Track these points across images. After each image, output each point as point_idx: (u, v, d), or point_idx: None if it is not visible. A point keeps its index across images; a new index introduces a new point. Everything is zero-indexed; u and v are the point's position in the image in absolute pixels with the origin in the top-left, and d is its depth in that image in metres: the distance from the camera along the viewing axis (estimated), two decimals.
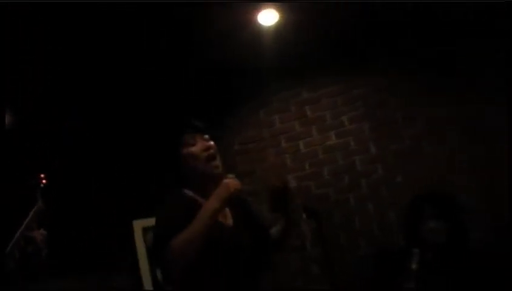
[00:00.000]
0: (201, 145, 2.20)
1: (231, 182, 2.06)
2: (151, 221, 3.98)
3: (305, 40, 4.05)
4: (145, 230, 4.02)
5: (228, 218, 2.20)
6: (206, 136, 2.23)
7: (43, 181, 2.48)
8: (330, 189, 4.20)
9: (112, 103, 4.17)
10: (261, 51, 4.05)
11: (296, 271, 4.09)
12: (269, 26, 3.82)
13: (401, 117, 4.13)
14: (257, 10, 3.65)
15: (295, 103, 4.41)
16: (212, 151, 2.19)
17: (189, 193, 2.18)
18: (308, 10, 3.68)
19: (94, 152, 4.13)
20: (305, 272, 4.06)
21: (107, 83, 3.99)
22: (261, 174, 4.36)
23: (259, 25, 3.80)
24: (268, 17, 3.73)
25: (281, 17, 3.73)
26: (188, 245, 1.84)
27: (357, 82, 4.29)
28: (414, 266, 2.89)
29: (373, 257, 3.68)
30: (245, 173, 4.30)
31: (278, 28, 3.84)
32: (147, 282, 3.95)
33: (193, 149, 2.19)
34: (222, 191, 2.01)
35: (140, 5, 3.15)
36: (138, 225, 4.02)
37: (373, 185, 4.11)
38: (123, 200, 4.04)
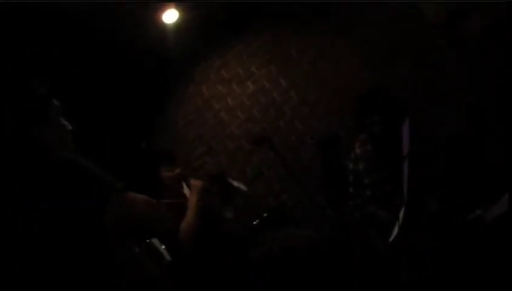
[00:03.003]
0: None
1: (197, 182, 3.02)
2: None
3: (205, 22, 5.03)
4: None
5: None
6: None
7: None
8: (264, 123, 5.27)
9: None
10: (172, 41, 4.98)
11: (264, 194, 5.17)
12: (173, 22, 4.77)
13: (295, 50, 5.24)
14: (161, 11, 4.59)
15: (212, 71, 5.42)
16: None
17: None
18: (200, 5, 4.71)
19: None
20: (270, 191, 5.17)
21: None
22: (207, 135, 5.39)
23: (164, 23, 4.74)
24: (171, 16, 4.68)
25: (180, 13, 4.68)
26: (190, 231, 2.72)
27: (252, 39, 5.35)
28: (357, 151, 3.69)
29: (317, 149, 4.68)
30: (195, 138, 5.35)
31: (181, 22, 4.79)
32: None
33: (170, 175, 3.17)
34: (195, 191, 2.96)
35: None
36: None
37: (294, 109, 5.21)
38: None
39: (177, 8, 4.59)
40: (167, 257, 2.23)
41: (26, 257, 1.70)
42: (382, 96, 3.71)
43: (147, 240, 2.11)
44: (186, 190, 3.10)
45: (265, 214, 4.59)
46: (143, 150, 5.25)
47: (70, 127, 2.01)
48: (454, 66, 4.50)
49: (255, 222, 4.54)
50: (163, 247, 2.17)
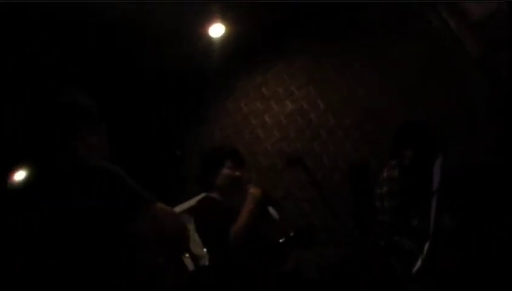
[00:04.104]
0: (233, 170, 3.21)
1: (256, 190, 3.12)
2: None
3: (249, 39, 5.15)
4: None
5: None
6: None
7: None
8: (298, 143, 5.34)
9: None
10: (216, 55, 5.13)
11: (293, 213, 5.20)
12: (219, 37, 4.90)
13: (334, 73, 5.30)
14: (208, 25, 4.73)
15: (253, 88, 5.54)
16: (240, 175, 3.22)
17: (215, 196, 3.20)
18: (246, 19, 4.84)
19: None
20: (298, 210, 5.20)
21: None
22: (242, 151, 5.42)
23: (210, 36, 4.88)
24: (217, 30, 4.81)
25: (227, 28, 4.81)
26: (244, 231, 2.91)
27: (294, 58, 5.45)
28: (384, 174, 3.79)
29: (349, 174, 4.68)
30: None
31: (226, 36, 4.92)
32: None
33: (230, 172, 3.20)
34: (253, 198, 3.06)
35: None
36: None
37: (330, 131, 5.27)
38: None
39: (223, 22, 4.71)
40: (191, 267, 2.29)
41: (34, 257, 1.77)
42: (420, 130, 3.76)
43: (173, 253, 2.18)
44: (239, 195, 3.15)
45: (292, 234, 4.62)
46: (178, 158, 5.42)
47: (105, 144, 2.09)
48: (484, 98, 4.49)
49: (281, 240, 4.58)
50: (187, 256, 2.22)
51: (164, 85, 5.14)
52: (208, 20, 4.66)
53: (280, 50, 5.45)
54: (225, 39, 4.94)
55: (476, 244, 3.19)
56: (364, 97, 5.17)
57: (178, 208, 4.93)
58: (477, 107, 4.59)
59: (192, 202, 3.70)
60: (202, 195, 3.29)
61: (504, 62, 4.20)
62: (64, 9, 3.59)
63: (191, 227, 4.41)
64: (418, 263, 3.04)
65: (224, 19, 4.68)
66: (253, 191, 3.12)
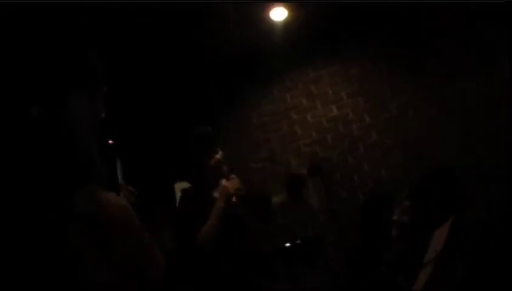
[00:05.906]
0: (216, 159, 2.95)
1: (230, 184, 2.84)
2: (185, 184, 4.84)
3: (308, 31, 4.89)
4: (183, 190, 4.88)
5: None
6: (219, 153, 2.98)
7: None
8: (333, 152, 5.06)
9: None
10: (273, 41, 4.91)
11: (306, 222, 4.95)
12: (279, 21, 4.68)
13: (390, 91, 4.98)
14: (269, 8, 4.53)
15: (302, 82, 5.27)
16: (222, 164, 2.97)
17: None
18: (311, 7, 4.56)
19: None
20: (313, 221, 4.95)
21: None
22: (274, 142, 5.26)
23: (271, 20, 4.67)
24: (278, 14, 4.59)
25: (289, 13, 4.58)
26: (210, 236, 2.69)
27: (352, 63, 5.15)
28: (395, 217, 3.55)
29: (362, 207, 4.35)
30: (263, 141, 5.23)
31: (287, 22, 4.69)
32: None
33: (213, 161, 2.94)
34: (224, 194, 2.79)
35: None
36: (178, 187, 4.87)
37: (368, 148, 4.97)
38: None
39: (286, 6, 4.50)
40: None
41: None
42: (446, 180, 3.35)
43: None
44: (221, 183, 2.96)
45: (298, 241, 4.45)
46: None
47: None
48: None
49: (286, 245, 4.42)
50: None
51: (212, 61, 4.99)
52: (271, 3, 4.46)
53: (339, 51, 5.16)
54: (286, 24, 4.72)
55: None
56: (413, 124, 4.83)
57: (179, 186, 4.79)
58: None
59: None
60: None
61: None
62: None
63: None
64: None
65: (288, 3, 4.46)
66: (225, 184, 2.85)
